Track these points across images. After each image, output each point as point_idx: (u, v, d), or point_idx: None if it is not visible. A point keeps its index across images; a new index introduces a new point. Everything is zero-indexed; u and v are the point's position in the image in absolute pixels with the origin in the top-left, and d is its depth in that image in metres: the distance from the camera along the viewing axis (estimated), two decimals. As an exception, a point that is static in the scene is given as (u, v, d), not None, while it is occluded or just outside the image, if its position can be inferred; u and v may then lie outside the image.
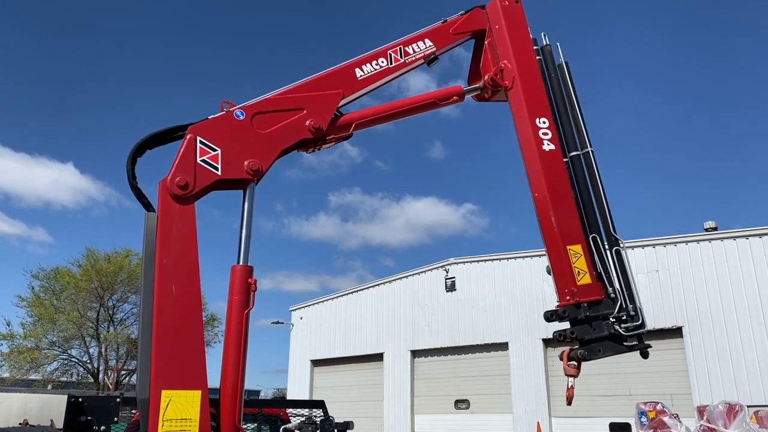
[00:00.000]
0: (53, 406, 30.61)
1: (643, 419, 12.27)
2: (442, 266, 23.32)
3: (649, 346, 4.81)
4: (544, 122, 5.11)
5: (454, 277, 22.72)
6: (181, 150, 4.02)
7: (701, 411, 13.07)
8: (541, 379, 19.30)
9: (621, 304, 4.68)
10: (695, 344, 16.81)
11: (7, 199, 73.07)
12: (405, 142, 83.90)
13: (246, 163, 4.16)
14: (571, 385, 4.65)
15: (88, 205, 76.52)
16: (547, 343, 19.62)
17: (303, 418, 6.43)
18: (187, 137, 4.06)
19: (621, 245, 4.89)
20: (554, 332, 4.71)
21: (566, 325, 4.76)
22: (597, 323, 4.64)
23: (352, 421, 6.55)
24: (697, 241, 17.60)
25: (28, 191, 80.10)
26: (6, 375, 33.25)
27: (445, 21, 5.40)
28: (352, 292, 26.65)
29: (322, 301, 27.84)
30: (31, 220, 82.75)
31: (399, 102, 5.15)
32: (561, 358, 4.70)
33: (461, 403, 21.42)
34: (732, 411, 12.21)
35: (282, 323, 29.59)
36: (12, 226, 73.49)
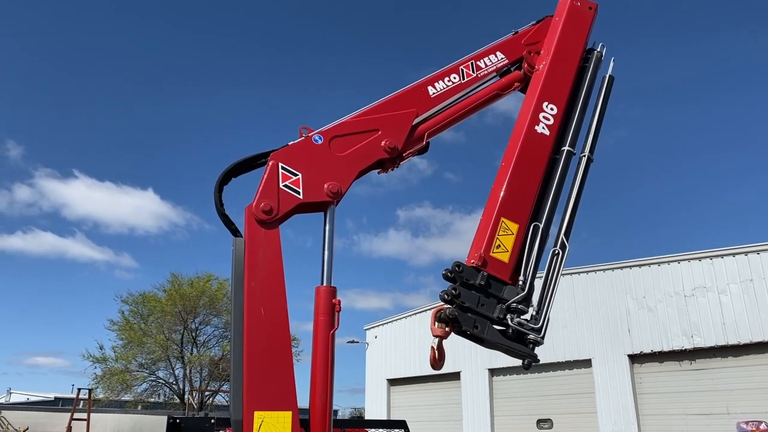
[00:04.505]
0: (144, 426, 31.98)
1: (746, 440, 11.44)
2: (517, 281, 22.78)
3: (537, 360, 4.29)
4: (551, 109, 4.98)
5: (530, 292, 22.14)
6: (265, 176, 4.15)
7: (812, 431, 12.07)
8: (629, 397, 18.42)
9: (528, 300, 4.30)
10: (800, 358, 15.58)
11: (96, 227, 77.95)
12: (475, 152, 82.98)
13: (326, 186, 4.24)
14: (433, 346, 4.19)
15: (170, 229, 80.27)
16: (633, 359, 18.76)
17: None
18: (270, 164, 4.18)
19: (563, 252, 4.55)
20: (441, 291, 4.25)
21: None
22: (489, 301, 4.24)
23: None
24: (796, 246, 16.41)
25: (115, 218, 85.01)
26: (100, 396, 35.01)
27: (516, 32, 5.37)
28: (426, 310, 26.48)
29: (397, 320, 27.82)
30: (118, 246, 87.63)
31: (465, 101, 5.12)
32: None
33: (544, 423, 20.73)
34: None
35: (357, 342, 29.78)
36: (101, 253, 78.33)
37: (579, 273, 20.77)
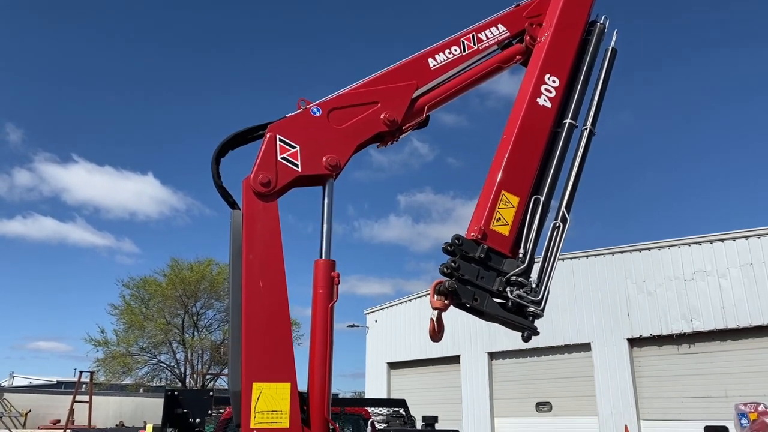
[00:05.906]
0: (145, 409, 32.23)
1: (744, 421, 11.49)
2: (517, 266, 22.78)
3: (536, 332, 4.32)
4: (553, 81, 4.94)
5: (530, 277, 22.16)
6: (262, 148, 4.11)
7: (810, 413, 12.11)
8: (628, 380, 18.50)
9: (528, 273, 4.30)
10: (798, 342, 15.61)
11: (96, 212, 77.91)
12: (477, 137, 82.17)
13: (324, 158, 4.20)
14: (432, 318, 4.22)
15: (171, 214, 79.87)
16: (632, 343, 18.81)
17: (387, 413, 6.45)
18: (267, 136, 4.14)
19: (564, 226, 4.54)
20: (441, 264, 4.25)
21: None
22: (489, 273, 4.24)
23: (437, 416, 6.52)
24: (796, 230, 16.38)
25: (115, 203, 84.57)
26: (102, 379, 35.23)
27: (518, 5, 5.31)
28: (426, 294, 26.51)
29: (397, 304, 27.88)
30: (119, 232, 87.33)
31: (466, 74, 5.06)
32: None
33: (543, 406, 20.85)
34: None
35: (357, 326, 29.88)
36: (102, 238, 78.13)
37: (579, 257, 20.78)
